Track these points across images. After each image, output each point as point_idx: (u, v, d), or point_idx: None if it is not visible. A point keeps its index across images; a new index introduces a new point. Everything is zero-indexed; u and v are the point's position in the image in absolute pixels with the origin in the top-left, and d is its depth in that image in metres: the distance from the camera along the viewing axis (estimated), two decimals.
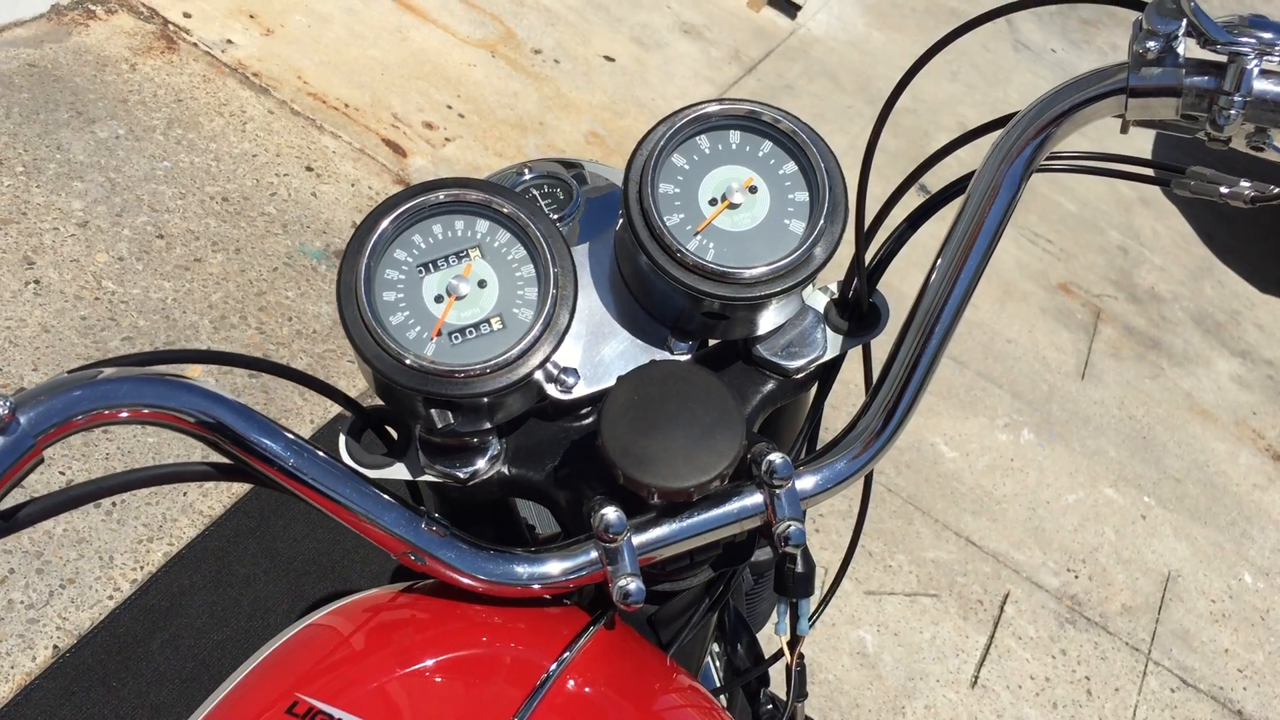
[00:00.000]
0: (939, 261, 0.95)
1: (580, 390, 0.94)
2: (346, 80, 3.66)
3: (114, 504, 2.35)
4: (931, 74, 5.22)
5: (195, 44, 3.49)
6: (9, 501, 0.76)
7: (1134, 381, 4.16)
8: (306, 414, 2.67)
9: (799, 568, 1.08)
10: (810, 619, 1.10)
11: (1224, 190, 0.94)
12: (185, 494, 2.42)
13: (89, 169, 2.96)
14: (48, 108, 3.06)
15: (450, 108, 3.75)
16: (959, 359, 3.85)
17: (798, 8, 5.18)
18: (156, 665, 2.18)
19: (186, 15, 3.56)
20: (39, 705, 2.06)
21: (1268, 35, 0.80)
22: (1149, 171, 1.02)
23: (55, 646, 2.13)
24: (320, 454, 0.86)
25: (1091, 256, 4.73)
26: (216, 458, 0.86)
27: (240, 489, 2.47)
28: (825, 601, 1.19)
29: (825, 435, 0.98)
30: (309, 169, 3.28)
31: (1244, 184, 0.94)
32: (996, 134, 0.97)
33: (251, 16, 3.69)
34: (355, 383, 2.76)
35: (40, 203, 2.81)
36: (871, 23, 5.57)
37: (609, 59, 4.40)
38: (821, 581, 3.00)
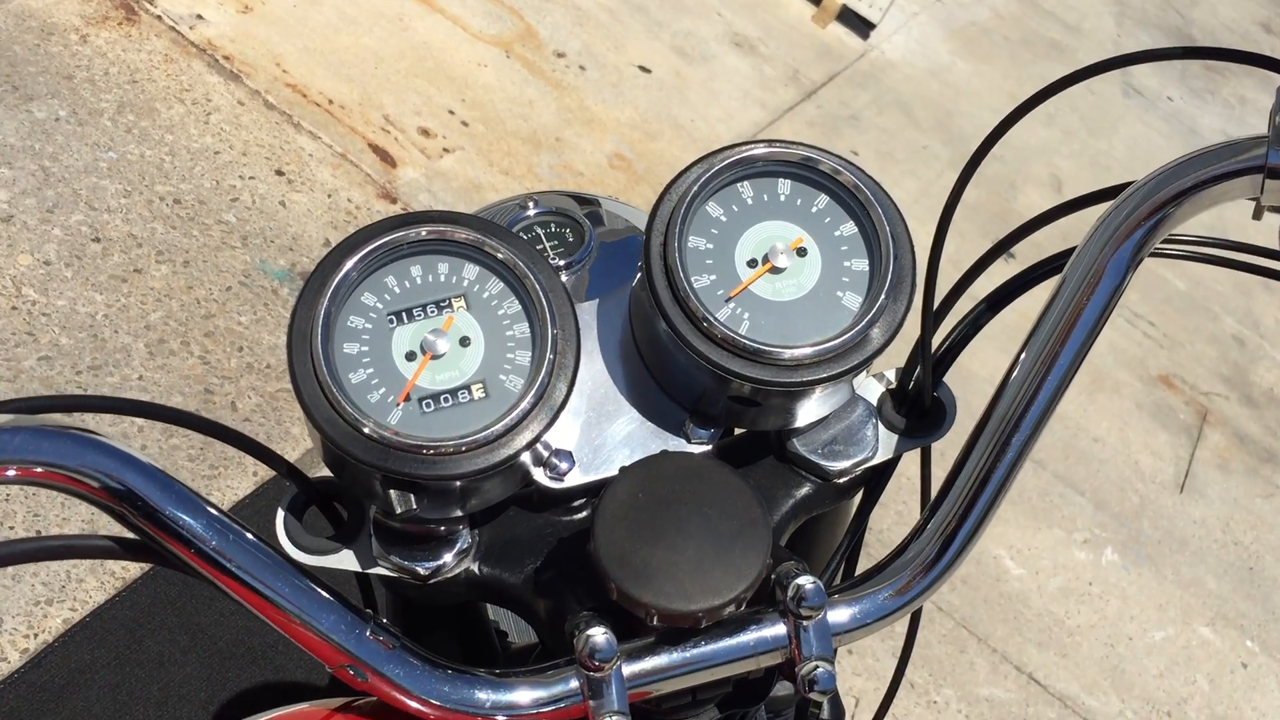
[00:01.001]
0: (1023, 356, 0.93)
1: (574, 479, 0.93)
2: (333, 72, 3.68)
3: None
4: (1026, 117, 5.23)
5: (159, 17, 3.52)
6: None
7: (1243, 500, 4.11)
8: (250, 463, 2.65)
9: (825, 714, 1.05)
10: None
11: None
12: None
13: (20, 154, 2.97)
14: None
15: (453, 113, 3.77)
16: (1033, 456, 3.81)
17: (871, 26, 5.22)
18: None
19: None
20: None
21: None
22: None
23: None
24: (249, 535, 0.85)
25: (1200, 346, 4.70)
26: (124, 531, 0.84)
27: None
28: None
29: (869, 554, 0.96)
30: (279, 173, 3.29)
31: None
32: (1104, 207, 0.95)
33: None
34: (305, 444, 2.74)
35: None
36: (957, 50, 5.60)
37: (644, 69, 4.42)
38: None
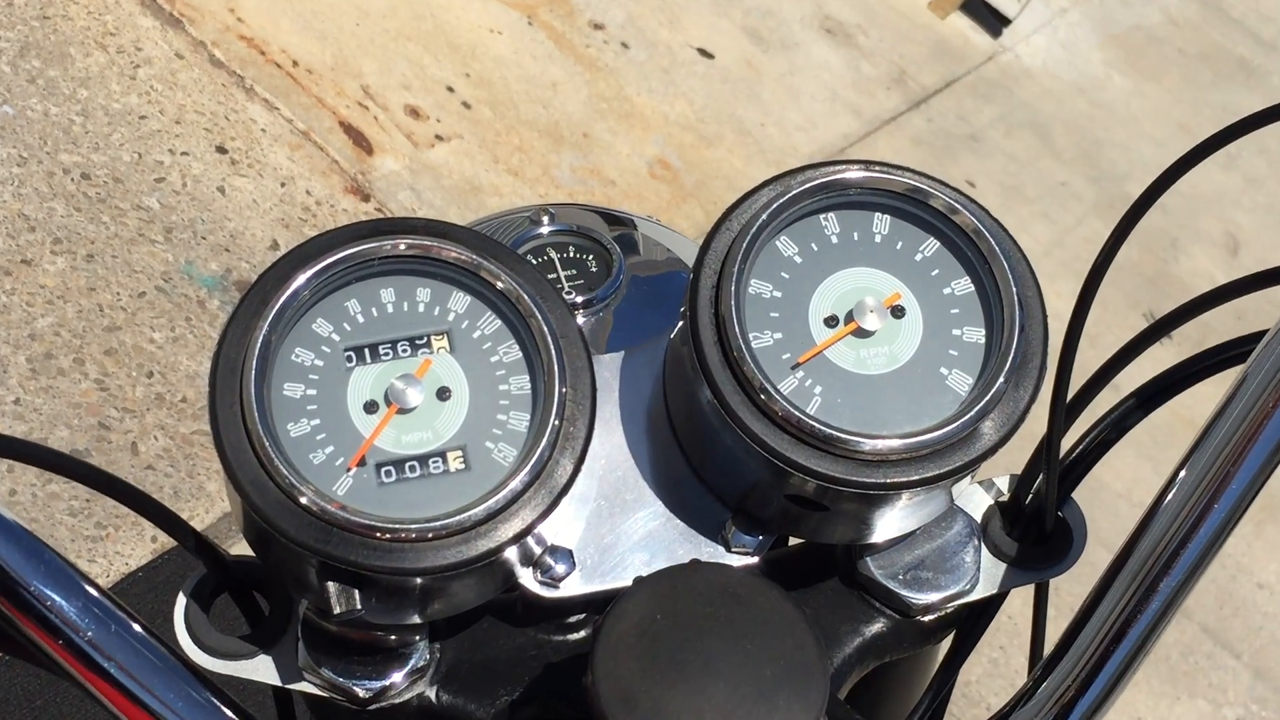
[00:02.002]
0: (1183, 474, 0.92)
1: (573, 587, 0.93)
2: (302, 25, 3.73)
3: None
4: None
5: None
6: None
7: None
8: (150, 524, 2.65)
9: None
10: None
11: None
12: None
13: None
14: None
15: (452, 90, 3.80)
16: None
17: (1005, 20, 5.24)
18: None
19: None
20: None
21: None
22: None
23: None
24: (135, 627, 0.84)
25: None
26: None
27: None
28: None
29: (953, 716, 0.95)
30: (221, 150, 3.33)
31: None
32: None
33: None
34: (223, 506, 2.75)
35: None
36: (1114, 60, 5.62)
37: (705, 54, 4.45)
38: None
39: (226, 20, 3.61)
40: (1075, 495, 1.02)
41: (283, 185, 3.33)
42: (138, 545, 2.62)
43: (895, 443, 0.87)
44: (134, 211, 3.10)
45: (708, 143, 4.14)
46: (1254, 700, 3.71)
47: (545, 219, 1.19)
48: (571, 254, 1.17)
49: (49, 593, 0.81)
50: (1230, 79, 5.95)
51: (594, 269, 1.17)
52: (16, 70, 3.21)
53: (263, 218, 3.24)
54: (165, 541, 2.62)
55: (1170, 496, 0.92)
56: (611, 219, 1.24)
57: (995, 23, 5.28)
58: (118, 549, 2.59)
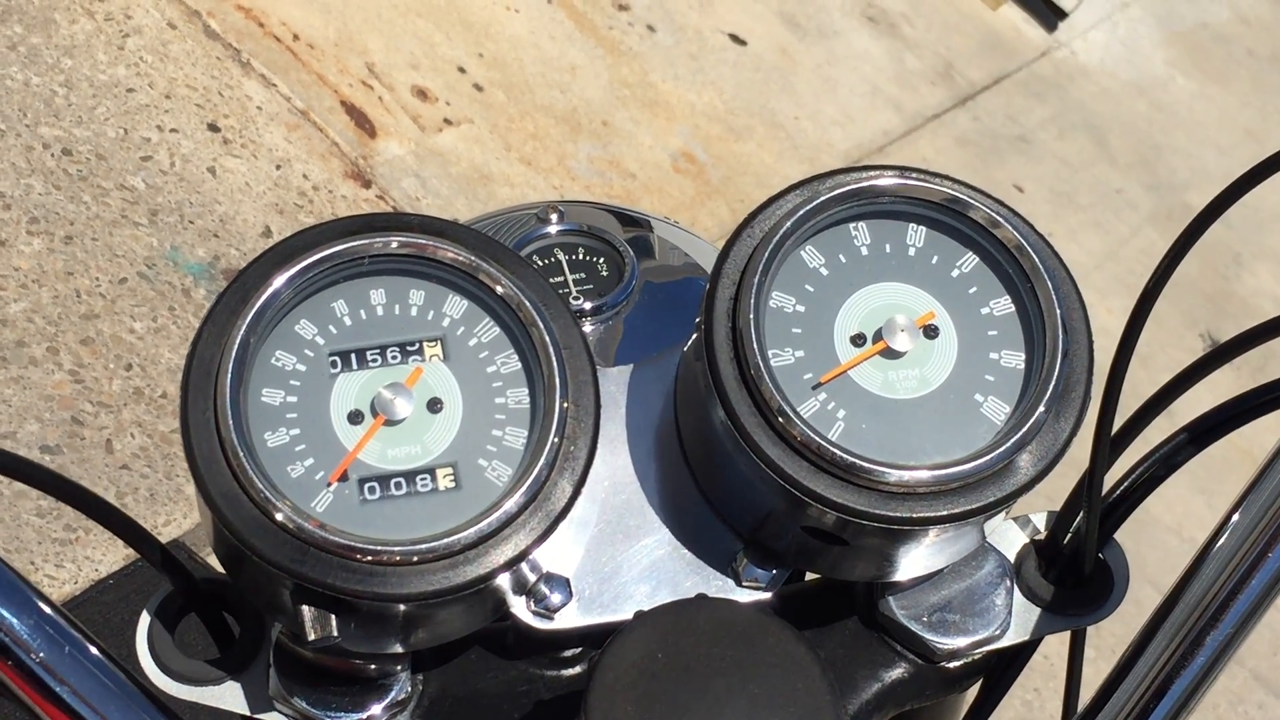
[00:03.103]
0: (1236, 517, 0.94)
1: (569, 619, 0.93)
2: None
3: None
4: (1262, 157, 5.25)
5: None
6: None
7: None
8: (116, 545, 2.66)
9: None
10: None
11: None
12: None
13: None
14: None
15: (463, 71, 3.82)
16: None
17: (1062, 14, 5.27)
18: None
19: None
20: None
21: None
22: None
23: None
24: (91, 649, 0.85)
25: None
26: None
27: None
28: None
29: None
30: (213, 128, 3.35)
31: None
32: None
33: None
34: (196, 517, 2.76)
35: None
36: (1176, 60, 5.63)
37: (737, 40, 4.47)
38: None
39: None
40: (1119, 534, 1.02)
41: (278, 168, 3.34)
42: (109, 550, 2.63)
43: (923, 474, 0.88)
44: (117, 191, 3.12)
45: (736, 136, 4.16)
46: None
47: (553, 217, 1.20)
48: (581, 256, 1.18)
49: None
50: None
51: (605, 274, 1.17)
52: None
53: (255, 202, 3.25)
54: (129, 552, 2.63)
55: (1222, 541, 0.93)
56: (626, 219, 1.25)
57: (1051, 16, 5.30)
58: (87, 554, 2.61)
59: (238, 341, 0.85)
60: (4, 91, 3.15)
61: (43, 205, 3.01)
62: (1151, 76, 5.50)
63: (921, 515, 0.88)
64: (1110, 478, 1.00)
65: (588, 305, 1.15)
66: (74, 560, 2.59)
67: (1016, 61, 5.13)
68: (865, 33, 4.82)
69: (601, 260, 1.18)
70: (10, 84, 3.17)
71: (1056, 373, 0.90)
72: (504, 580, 0.87)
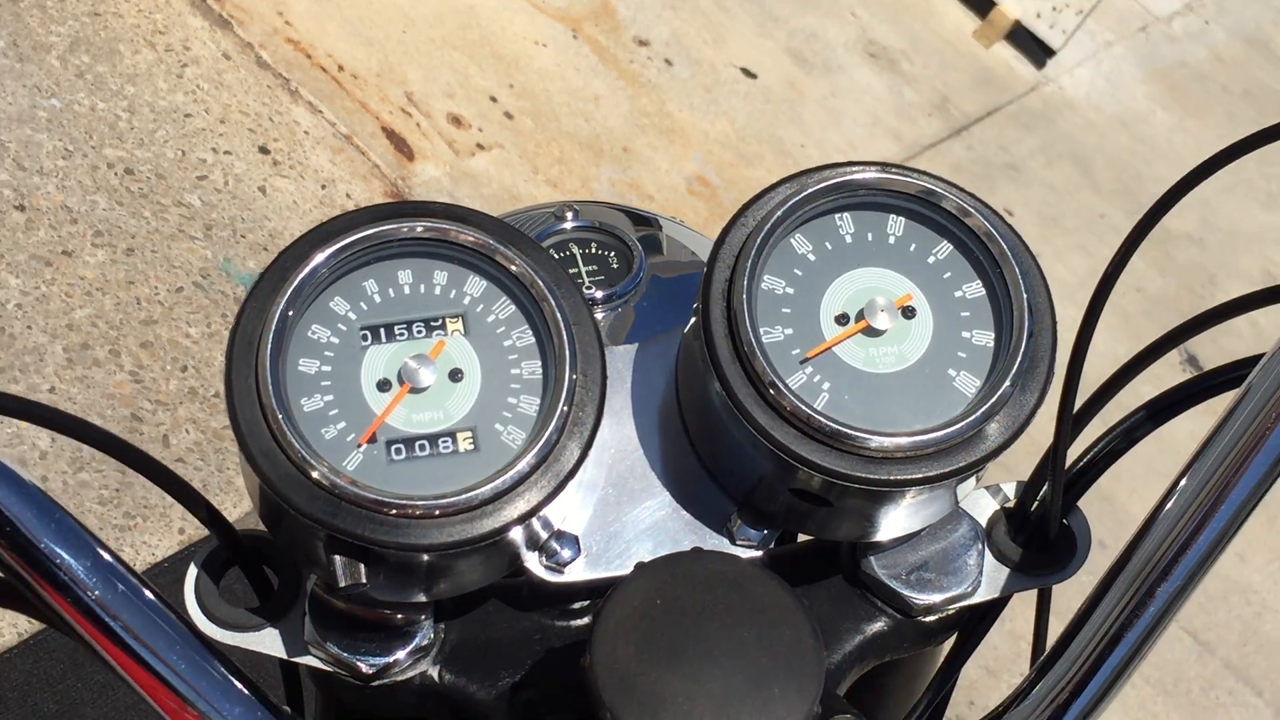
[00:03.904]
0: (1183, 482, 0.93)
1: (578, 572, 0.94)
2: (349, 31, 3.76)
3: None
4: (1237, 191, 5.24)
5: None
6: None
7: None
8: (177, 519, 2.67)
9: None
10: None
11: None
12: None
13: None
14: None
15: (495, 100, 3.83)
16: (1200, 636, 3.78)
17: (1050, 52, 5.25)
18: None
19: None
20: None
21: None
22: None
23: None
24: (146, 593, 0.86)
25: None
26: None
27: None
28: None
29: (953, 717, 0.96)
30: (264, 150, 3.36)
31: None
32: None
33: None
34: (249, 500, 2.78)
35: None
36: (1157, 95, 5.62)
37: (748, 73, 4.47)
38: None
39: (275, 23, 3.65)
40: (1083, 506, 1.02)
41: (323, 187, 3.36)
42: (165, 536, 2.64)
43: (901, 440, 0.89)
44: (175, 208, 3.14)
45: (747, 162, 4.16)
46: None
47: (569, 215, 1.20)
48: (594, 250, 1.19)
49: (62, 552, 0.83)
50: (1275, 117, 5.93)
51: (615, 266, 1.18)
52: (66, 65, 3.26)
53: (302, 219, 3.27)
54: (193, 534, 2.64)
55: (1170, 505, 0.93)
56: (637, 219, 1.25)
57: (1040, 53, 5.30)
58: (145, 539, 2.62)
59: (277, 315, 0.86)
60: (72, 116, 3.17)
61: (107, 220, 3.03)
62: (1133, 110, 5.49)
63: (899, 478, 0.89)
64: (1074, 452, 1.01)
65: (599, 294, 1.15)
66: (132, 545, 2.61)
67: (1008, 95, 5.12)
68: (867, 68, 4.82)
69: (612, 254, 1.18)
70: (78, 109, 3.19)
71: (1023, 350, 0.91)
72: (517, 534, 0.88)
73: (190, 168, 3.23)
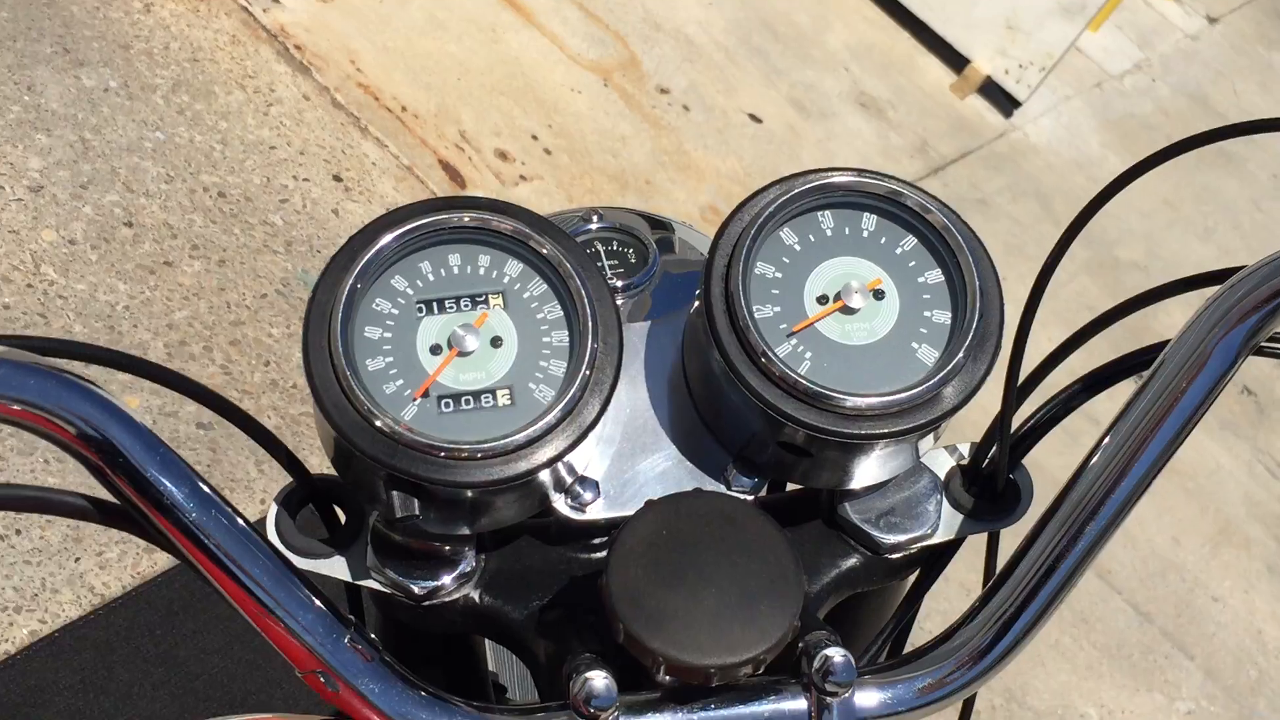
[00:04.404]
0: (1107, 440, 0.95)
1: (597, 511, 0.95)
2: (411, 77, 3.78)
3: None
4: (1178, 225, 5.24)
5: None
6: None
7: None
8: (260, 493, 2.70)
9: None
10: None
11: None
12: (77, 560, 2.45)
13: (61, 122, 3.08)
14: (29, 36, 3.20)
15: (536, 138, 3.85)
16: (1141, 608, 3.77)
17: (1016, 103, 5.25)
18: None
19: None
20: None
21: None
22: None
23: None
24: (236, 519, 0.87)
25: None
26: (103, 494, 0.87)
27: (150, 568, 2.50)
28: None
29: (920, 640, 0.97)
30: (337, 179, 3.38)
31: None
32: (1213, 290, 0.98)
33: None
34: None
35: None
36: (1111, 143, 5.62)
37: (754, 118, 4.48)
38: None
39: (348, 69, 3.68)
40: (1029, 464, 1.03)
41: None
42: (248, 506, 2.66)
43: (872, 400, 0.90)
44: (261, 226, 3.16)
45: None
46: (1204, 697, 3.69)
47: (595, 218, 1.21)
48: (615, 247, 1.19)
49: (166, 481, 0.84)
50: (1212, 164, 5.92)
51: (633, 260, 1.18)
52: (169, 103, 3.29)
53: None
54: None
55: (1095, 459, 0.95)
56: (654, 222, 1.26)
57: (1007, 105, 5.30)
58: (242, 505, 2.64)
59: (347, 289, 0.88)
60: (174, 147, 3.20)
61: (202, 236, 3.06)
62: (1088, 155, 5.48)
63: (869, 432, 0.90)
64: (1019, 418, 1.02)
65: (619, 283, 1.16)
66: None
67: (979, 141, 5.12)
68: (858, 115, 4.83)
69: (631, 250, 1.19)
70: (179, 140, 3.22)
71: (974, 328, 0.92)
72: (546, 477, 0.89)
73: (274, 192, 3.26)
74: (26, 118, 3.05)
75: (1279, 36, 7.57)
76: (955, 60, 5.32)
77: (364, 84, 3.67)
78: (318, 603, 0.88)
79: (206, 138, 3.26)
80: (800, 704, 0.88)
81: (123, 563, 2.50)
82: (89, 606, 2.42)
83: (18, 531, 2.44)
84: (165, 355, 2.79)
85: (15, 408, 0.80)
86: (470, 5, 4.13)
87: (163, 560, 2.53)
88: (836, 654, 0.87)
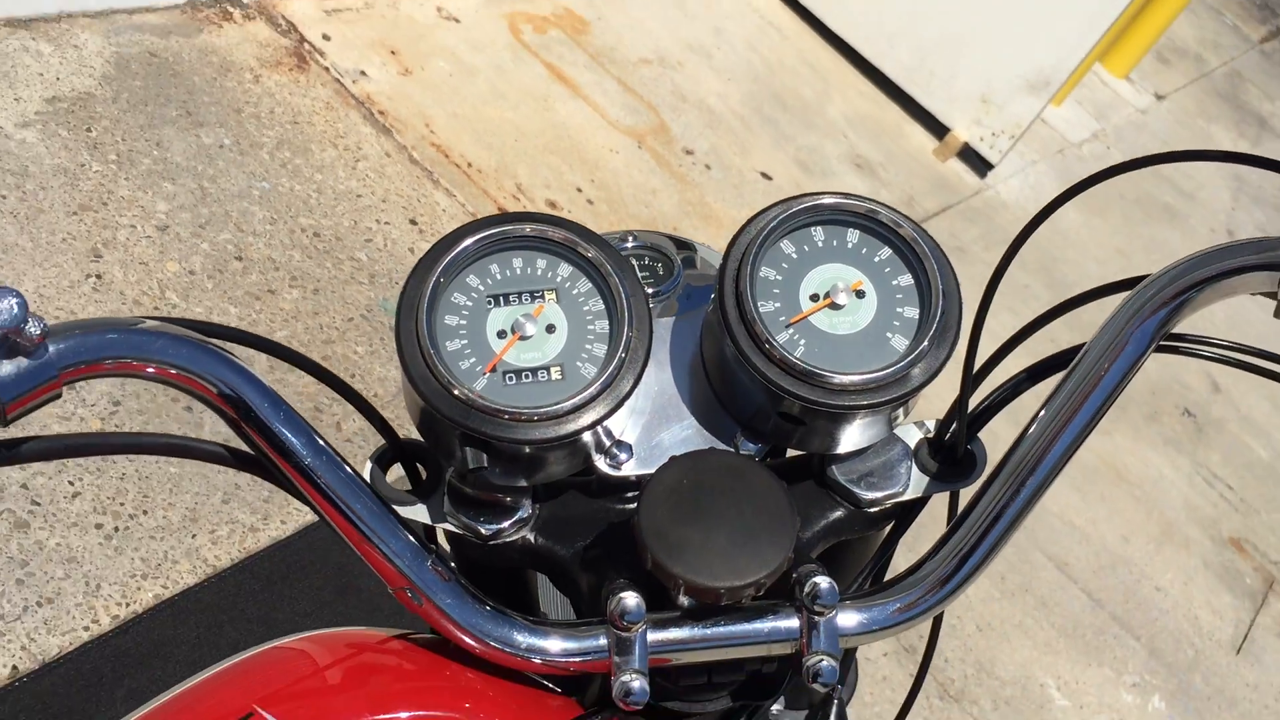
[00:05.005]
0: (1042, 413, 0.98)
1: (630, 469, 0.99)
2: (476, 139, 3.85)
3: (115, 529, 2.45)
4: (1130, 270, 5.25)
5: (327, 68, 3.72)
6: (15, 432, 0.84)
7: None
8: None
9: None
10: None
11: None
12: (194, 536, 2.51)
13: (184, 173, 3.15)
14: (158, 101, 3.28)
15: (580, 191, 3.90)
16: (1093, 595, 3.79)
17: (990, 166, 5.29)
18: (115, 715, 2.23)
19: (326, 37, 3.79)
20: None
21: None
22: None
23: (14, 667, 2.21)
24: (346, 467, 0.92)
25: (1276, 517, 4.64)
26: (238, 444, 0.93)
27: (254, 545, 2.55)
28: None
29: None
30: (413, 222, 3.44)
31: None
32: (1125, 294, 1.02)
33: (392, 52, 3.92)
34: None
35: (125, 196, 3.00)
36: (1071, 201, 5.64)
37: (765, 176, 4.53)
38: None
39: (422, 131, 3.74)
40: (985, 438, 1.06)
41: None
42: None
43: (854, 378, 0.93)
44: (348, 261, 3.22)
45: None
46: (1147, 672, 3.69)
47: (630, 239, 1.24)
48: (646, 262, 1.22)
49: (288, 433, 0.90)
50: (1158, 219, 5.95)
51: (661, 273, 1.20)
52: (273, 158, 3.35)
53: None
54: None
55: (1033, 428, 0.99)
56: (680, 243, 1.27)
57: (982, 167, 5.34)
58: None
59: (431, 284, 0.92)
60: (278, 194, 3.26)
61: (300, 268, 3.12)
62: None
63: (852, 404, 0.94)
64: (975, 400, 1.05)
65: (650, 290, 1.17)
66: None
67: (958, 197, 5.16)
68: (853, 174, 4.87)
69: (660, 264, 1.21)
70: (281, 189, 3.28)
71: (937, 321, 0.96)
72: (588, 438, 0.93)
73: (360, 233, 3.32)
74: (155, 169, 3.12)
75: (1217, 112, 7.61)
76: (937, 129, 5.37)
77: (436, 144, 3.73)
78: (406, 534, 0.93)
79: (304, 187, 3.33)
80: (794, 622, 0.92)
81: (231, 539, 2.55)
82: (203, 575, 2.47)
83: (145, 512, 2.49)
84: (267, 368, 2.84)
85: (172, 371, 0.86)
86: (526, 79, 4.19)
87: (264, 538, 2.58)
88: (823, 581, 0.91)
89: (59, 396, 0.81)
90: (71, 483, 2.45)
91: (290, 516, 2.63)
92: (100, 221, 2.92)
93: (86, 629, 2.31)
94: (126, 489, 2.50)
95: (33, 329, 0.77)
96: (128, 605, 2.37)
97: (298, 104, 3.55)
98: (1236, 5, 10.06)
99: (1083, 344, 1.06)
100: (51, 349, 0.80)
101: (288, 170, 3.35)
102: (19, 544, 2.36)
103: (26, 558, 2.35)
